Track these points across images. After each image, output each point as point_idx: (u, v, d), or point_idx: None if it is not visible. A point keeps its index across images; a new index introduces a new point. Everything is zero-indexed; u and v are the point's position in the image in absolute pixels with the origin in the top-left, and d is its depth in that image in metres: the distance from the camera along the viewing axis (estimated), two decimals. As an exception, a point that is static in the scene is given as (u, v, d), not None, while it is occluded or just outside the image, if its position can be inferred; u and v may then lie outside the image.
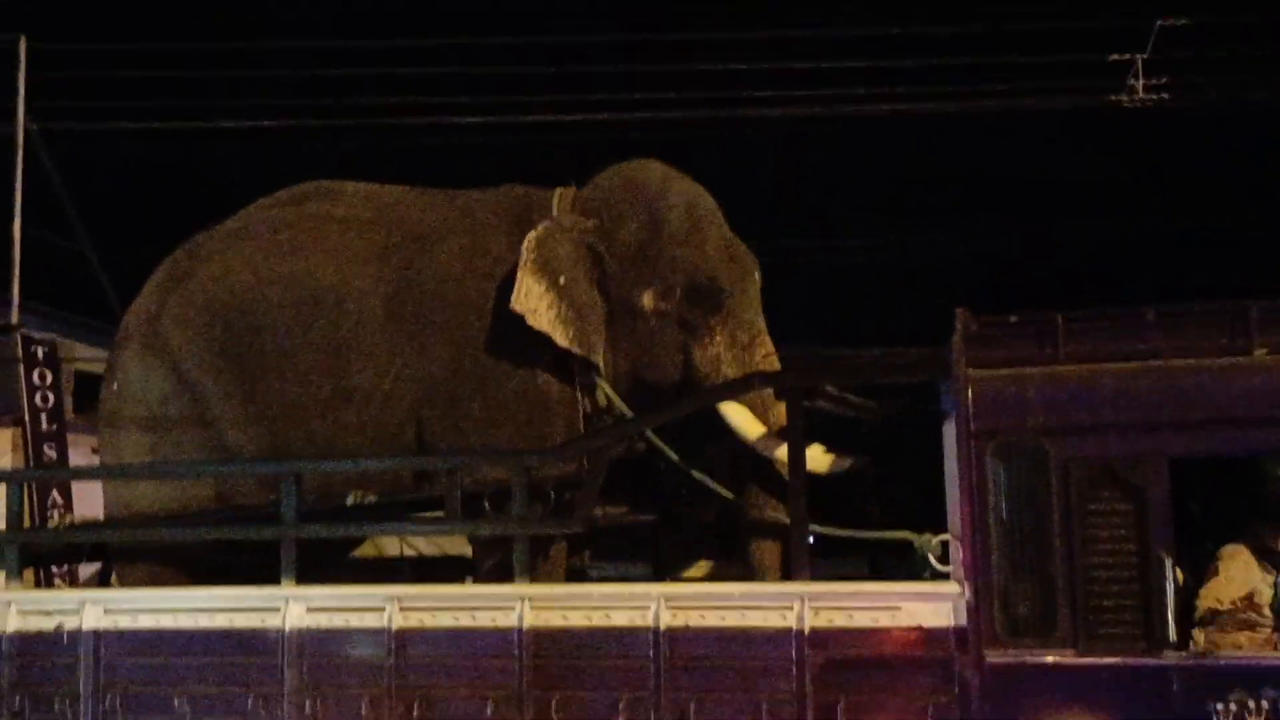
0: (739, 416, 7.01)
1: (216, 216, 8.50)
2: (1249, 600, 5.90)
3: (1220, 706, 5.64)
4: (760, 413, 7.05)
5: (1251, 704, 5.61)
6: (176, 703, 6.90)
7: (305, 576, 6.95)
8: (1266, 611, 6.02)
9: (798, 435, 6.46)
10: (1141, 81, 14.13)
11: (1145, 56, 14.00)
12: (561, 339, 7.22)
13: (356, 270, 7.70)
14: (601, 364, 7.32)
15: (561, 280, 7.26)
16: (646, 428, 7.02)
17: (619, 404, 7.29)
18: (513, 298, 7.22)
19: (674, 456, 7.07)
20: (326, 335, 7.64)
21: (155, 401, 7.95)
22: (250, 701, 6.80)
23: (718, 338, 7.28)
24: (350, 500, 7.44)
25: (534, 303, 7.21)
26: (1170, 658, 5.73)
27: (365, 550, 8.66)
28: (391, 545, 8.87)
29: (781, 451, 6.81)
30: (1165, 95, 14.10)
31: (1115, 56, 14.04)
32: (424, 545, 8.85)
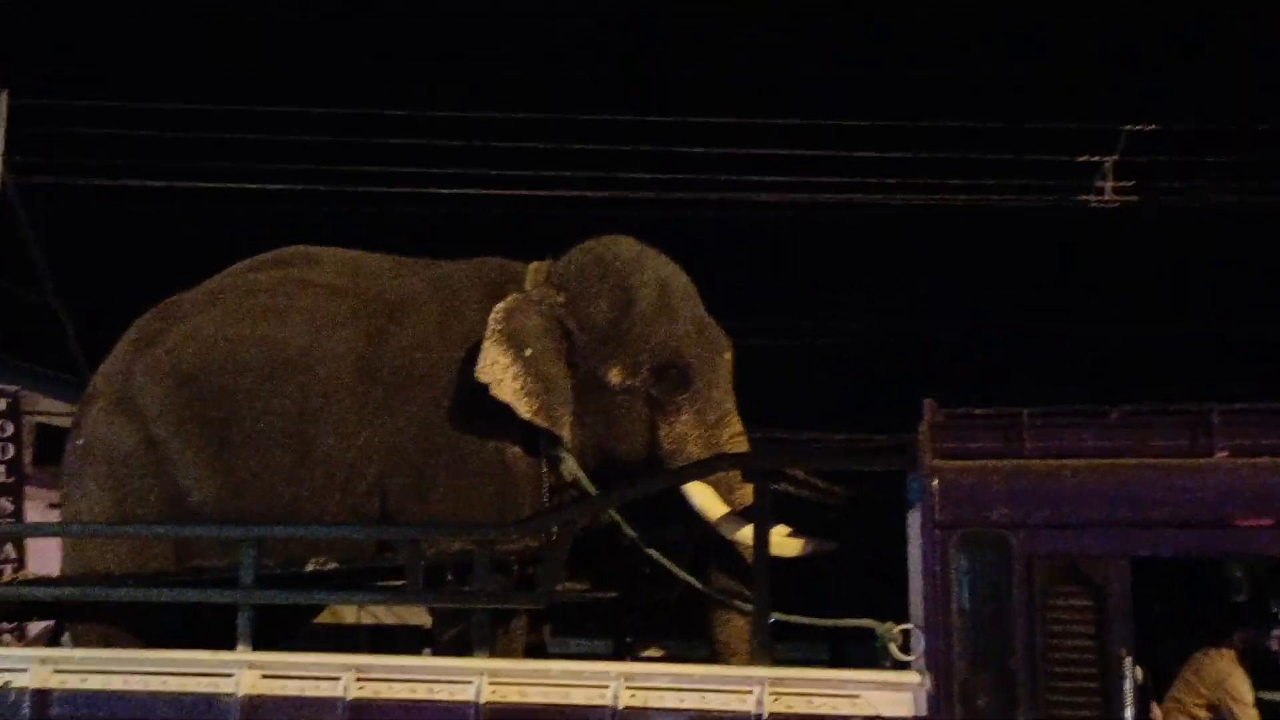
0: (702, 497, 7.04)
1: (186, 273, 8.53)
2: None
3: (1175, 807, 5.67)
4: (725, 494, 7.08)
5: (1204, 808, 5.64)
6: None
7: (264, 643, 6.87)
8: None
9: (764, 517, 6.49)
10: (1110, 183, 14.43)
11: (1115, 159, 14.31)
12: (525, 411, 7.24)
13: (329, 336, 7.72)
14: (567, 438, 7.33)
15: (528, 352, 7.30)
16: (611, 506, 7.03)
17: (584, 480, 7.31)
18: (477, 368, 7.25)
19: (633, 535, 7.09)
20: (295, 401, 7.63)
21: (120, 459, 7.88)
22: None
23: (684, 416, 7.31)
24: (310, 567, 7.37)
25: (499, 374, 7.23)
26: (1127, 754, 5.76)
27: (324, 617, 8.60)
28: (350, 612, 8.82)
29: (744, 533, 6.84)
30: (1133, 198, 14.40)
31: (1085, 157, 14.35)
32: (383, 614, 8.81)
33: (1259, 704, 6.44)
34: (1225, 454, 6.02)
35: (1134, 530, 5.93)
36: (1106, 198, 14.48)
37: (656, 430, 7.35)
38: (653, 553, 7.08)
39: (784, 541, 6.83)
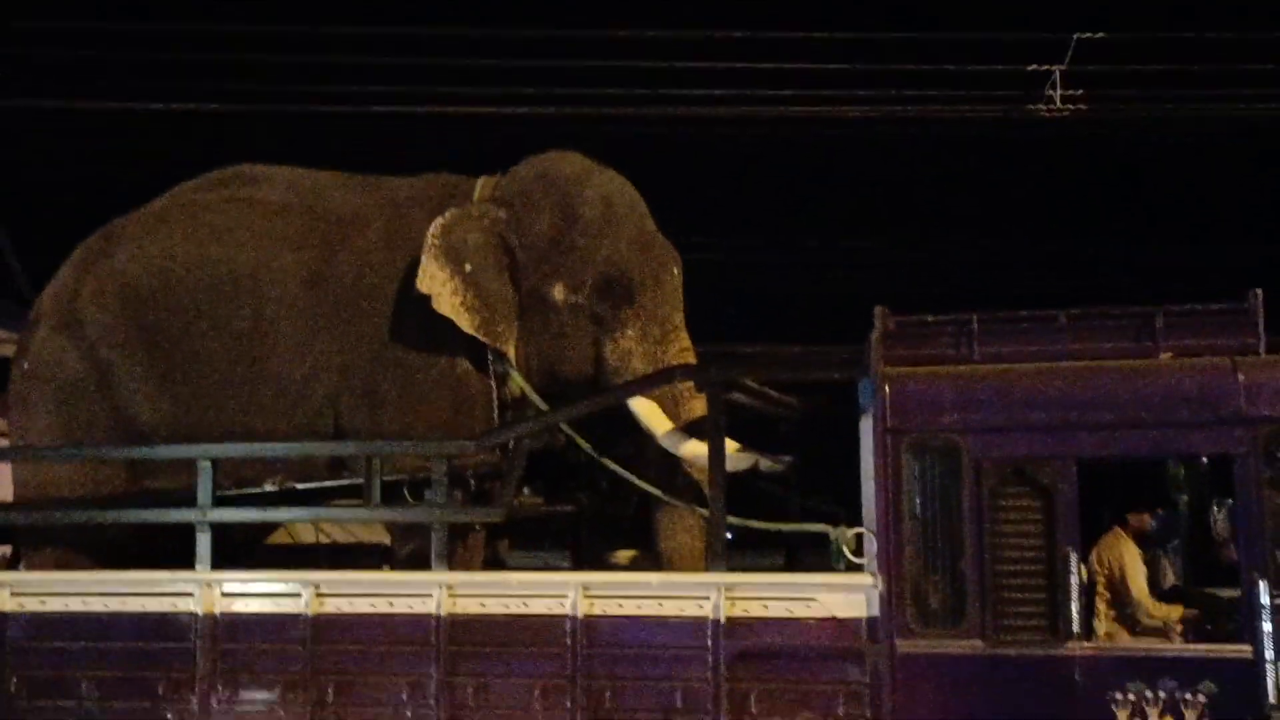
0: (648, 412, 7.10)
1: (134, 200, 8.41)
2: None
3: (1119, 696, 5.87)
4: (671, 409, 7.14)
5: (1149, 694, 5.84)
6: (84, 687, 6.83)
7: (215, 564, 6.92)
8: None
9: (718, 428, 6.57)
10: (1059, 92, 14.45)
11: (1063, 68, 14.33)
12: (467, 325, 7.26)
13: (276, 255, 7.68)
14: (512, 353, 7.37)
15: (467, 267, 7.30)
16: (565, 419, 7.09)
17: (532, 395, 7.36)
18: (417, 281, 7.26)
19: (589, 448, 7.15)
20: (244, 319, 7.61)
21: (67, 382, 7.85)
22: (161, 686, 6.76)
23: (629, 332, 7.34)
24: (268, 486, 7.39)
25: (437, 288, 7.24)
26: (1073, 649, 5.95)
27: (279, 537, 8.63)
28: (307, 532, 8.85)
29: (689, 448, 6.93)
30: (1082, 106, 14.44)
31: (1034, 67, 14.36)
32: (339, 532, 8.85)
33: (1202, 598, 6.65)
34: (1169, 355, 6.15)
35: (1080, 433, 6.07)
36: (1055, 107, 14.51)
37: (602, 347, 7.38)
38: (612, 465, 7.14)
39: (733, 456, 6.91)
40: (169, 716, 6.74)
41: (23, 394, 8.04)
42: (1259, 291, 6.12)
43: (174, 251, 7.82)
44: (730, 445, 6.90)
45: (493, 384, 7.45)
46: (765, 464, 6.94)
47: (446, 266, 7.26)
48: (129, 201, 8.44)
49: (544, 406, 7.29)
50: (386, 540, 8.20)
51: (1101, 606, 6.46)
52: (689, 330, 7.54)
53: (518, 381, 7.38)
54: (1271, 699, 5.74)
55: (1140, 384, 6.08)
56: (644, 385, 7.09)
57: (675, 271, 7.53)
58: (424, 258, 7.25)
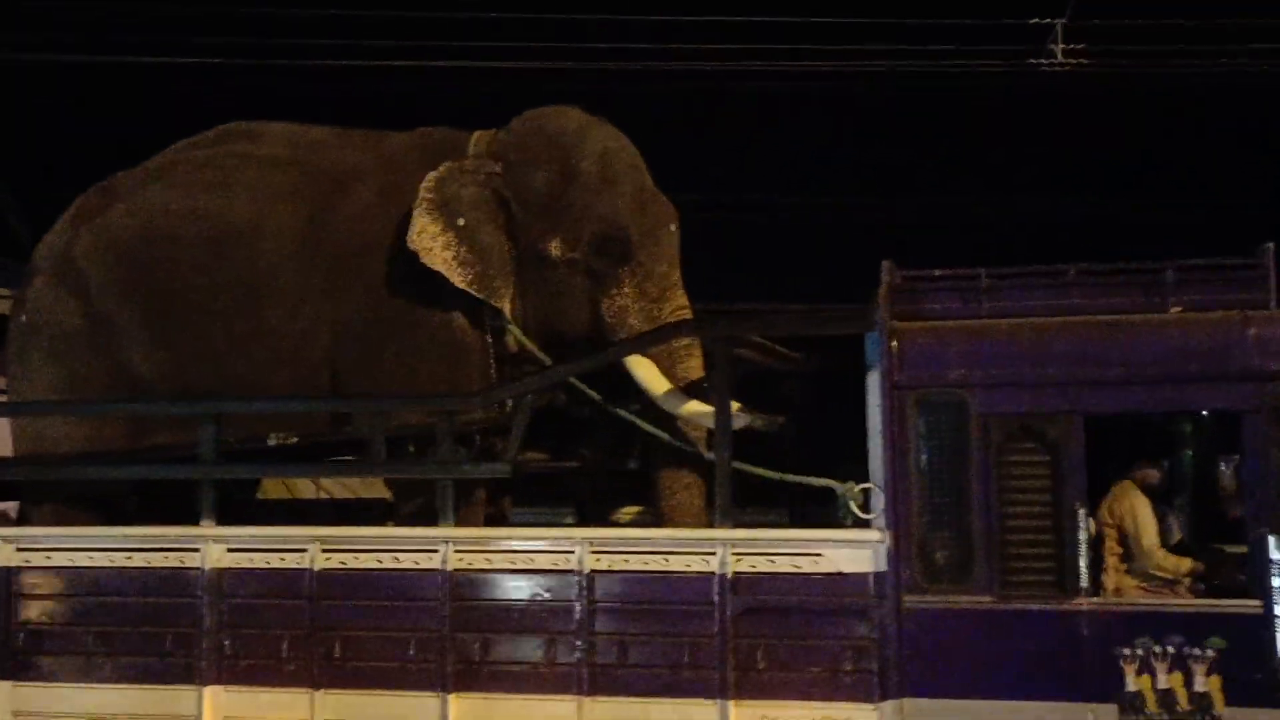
0: (645, 370, 7.02)
1: (127, 151, 8.34)
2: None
3: (1127, 651, 5.85)
4: (669, 367, 7.07)
5: (1157, 649, 5.83)
6: (90, 641, 6.82)
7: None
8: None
9: (724, 384, 6.52)
10: (1060, 46, 14.28)
11: (1064, 21, 14.16)
12: (459, 280, 7.18)
13: (273, 209, 7.62)
14: (508, 309, 7.28)
15: (460, 221, 7.22)
16: (569, 375, 7.03)
17: (532, 349, 7.27)
18: (408, 235, 7.19)
19: (604, 402, 7.08)
20: (241, 274, 7.55)
21: (65, 335, 7.79)
22: (167, 641, 6.75)
23: (625, 289, 7.25)
24: (271, 441, 7.35)
25: (428, 242, 7.17)
26: (1081, 604, 5.93)
27: (277, 492, 8.60)
28: (305, 488, 8.82)
29: (686, 406, 6.87)
30: (1084, 61, 14.28)
31: (1036, 20, 14.20)
32: (337, 489, 8.81)
33: (1208, 553, 6.61)
34: (1178, 310, 6.09)
35: (1088, 387, 6.02)
36: (1057, 60, 14.34)
37: (598, 304, 7.29)
38: (638, 420, 7.02)
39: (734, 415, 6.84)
40: (175, 671, 6.72)
41: (21, 347, 7.99)
42: (1270, 246, 6.05)
43: (171, 206, 7.76)
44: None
45: (489, 340, 7.37)
46: (760, 422, 6.88)
47: (439, 220, 7.19)
48: (127, 156, 8.37)
49: (548, 361, 7.22)
50: (385, 495, 8.16)
51: (1110, 560, 6.42)
52: (692, 289, 7.46)
53: (516, 336, 7.31)
54: (1280, 654, 5.73)
55: (1149, 339, 6.03)
56: (649, 341, 7.02)
57: (673, 229, 7.43)
58: (415, 212, 7.19)
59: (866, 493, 6.26)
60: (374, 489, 8.54)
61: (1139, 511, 6.35)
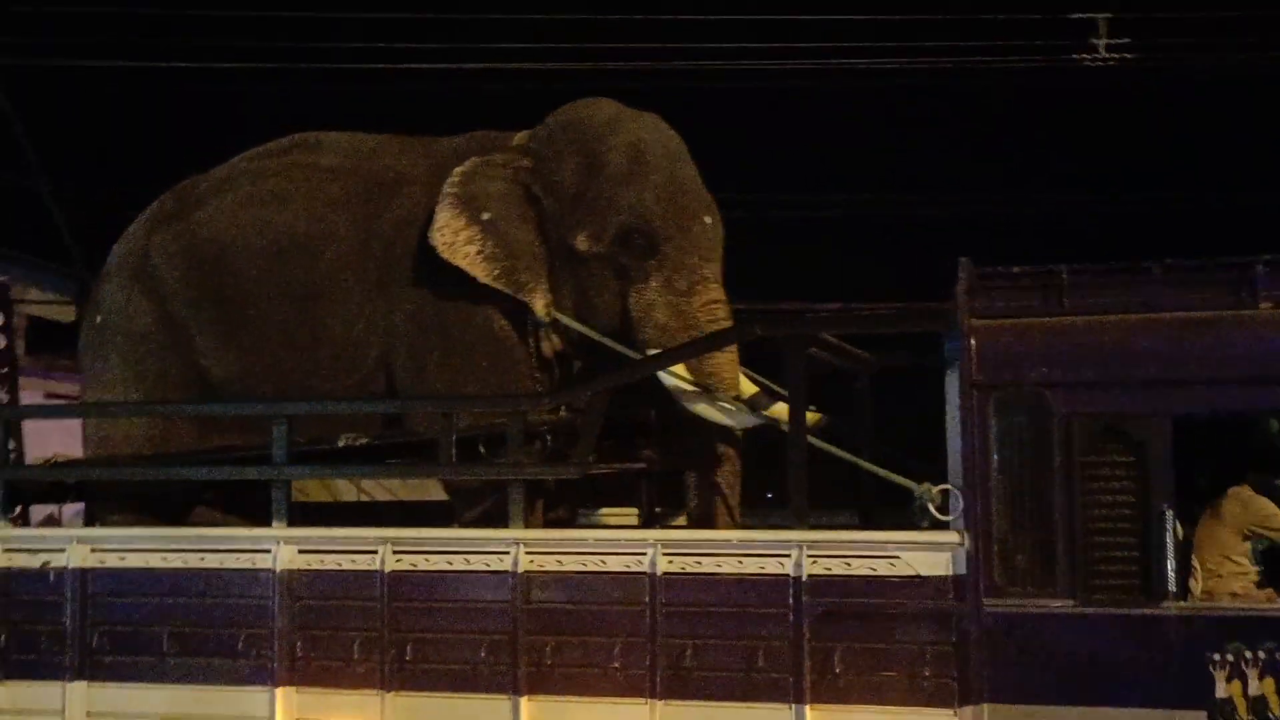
0: (673, 376, 6.85)
1: (182, 160, 8.46)
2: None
3: (1217, 657, 5.62)
4: (693, 365, 6.88)
5: (1249, 655, 5.60)
6: (164, 642, 6.75)
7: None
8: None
9: (798, 383, 6.35)
10: (1104, 40, 13.95)
11: (1108, 15, 13.82)
12: (484, 275, 7.08)
13: (330, 218, 7.65)
14: (540, 305, 7.13)
15: (485, 216, 7.12)
16: (643, 374, 6.87)
17: (585, 331, 7.07)
18: (430, 231, 7.08)
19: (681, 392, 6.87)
20: (302, 283, 7.59)
21: (139, 333, 7.88)
22: (240, 642, 6.66)
23: (652, 283, 7.05)
24: (341, 442, 7.26)
25: (450, 237, 7.08)
26: (1168, 609, 5.70)
27: (319, 496, 8.49)
28: (348, 491, 8.72)
29: (699, 405, 6.78)
30: (1128, 55, 13.95)
31: (1078, 15, 13.85)
32: (377, 490, 8.67)
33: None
34: (1269, 306, 5.85)
35: (1175, 387, 5.80)
36: (1101, 55, 14.01)
37: (626, 298, 7.11)
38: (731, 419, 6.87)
39: (738, 414, 6.82)
40: (247, 672, 6.64)
41: (95, 345, 8.09)
42: (1363, 240, 5.79)
43: (239, 215, 7.85)
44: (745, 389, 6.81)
45: (531, 341, 7.25)
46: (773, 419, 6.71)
47: (462, 215, 7.11)
48: (182, 165, 8.51)
49: (629, 352, 7.02)
50: (430, 497, 8.08)
51: (1200, 565, 6.14)
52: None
53: (547, 334, 7.18)
54: (1375, 660, 5.48)
55: (1239, 336, 5.80)
56: (719, 340, 6.88)
57: (708, 221, 7.21)
58: (438, 207, 7.12)
59: (945, 494, 6.05)
60: (416, 491, 8.44)
61: (1267, 509, 6.04)
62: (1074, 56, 13.98)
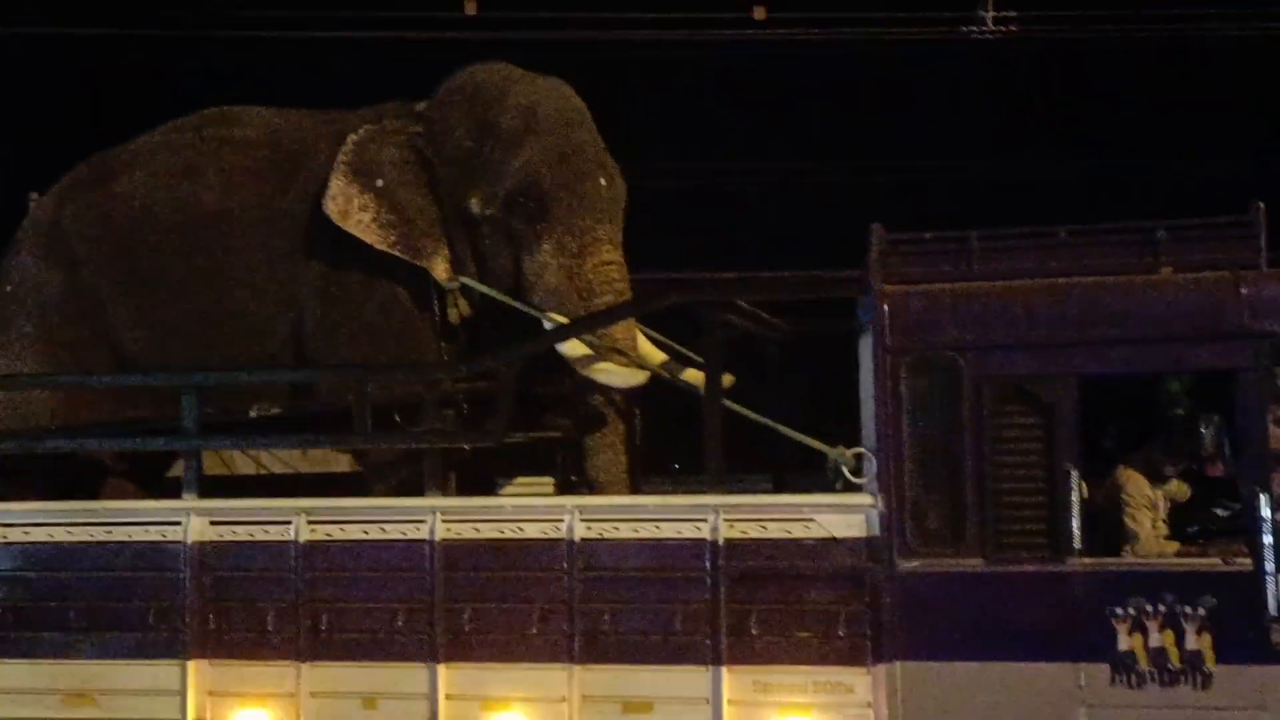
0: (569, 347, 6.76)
1: (106, 129, 8.23)
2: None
3: (1120, 611, 5.70)
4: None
5: (1149, 608, 5.70)
6: (71, 616, 6.56)
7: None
8: (1162, 528, 6.14)
9: (715, 349, 6.32)
10: (991, 14, 14.06)
11: None
12: (380, 242, 7.00)
13: (240, 192, 7.53)
14: (441, 270, 7.04)
15: (379, 183, 7.03)
16: (558, 340, 6.77)
17: (493, 294, 6.98)
18: (323, 201, 6.99)
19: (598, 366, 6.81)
20: (212, 256, 7.47)
21: (50, 303, 7.71)
22: (150, 615, 6.48)
23: (544, 246, 6.96)
24: (253, 413, 7.11)
25: (343, 205, 7.00)
26: (1073, 565, 5.78)
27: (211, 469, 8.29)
28: (244, 465, 8.54)
29: (595, 367, 6.72)
30: (1013, 28, 14.07)
31: None
32: (276, 464, 8.49)
33: (1203, 515, 6.45)
34: (1170, 270, 5.93)
35: (1080, 349, 5.87)
36: (987, 28, 14.13)
37: (520, 262, 7.05)
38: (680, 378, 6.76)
39: (625, 373, 6.75)
40: (159, 645, 6.47)
41: (6, 316, 7.87)
42: (1260, 204, 5.89)
43: (152, 187, 7.71)
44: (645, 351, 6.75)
45: (436, 308, 7.16)
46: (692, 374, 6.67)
47: (355, 182, 7.02)
48: (106, 133, 8.27)
49: (543, 316, 6.92)
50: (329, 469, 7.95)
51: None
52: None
53: (455, 300, 7.09)
54: (1272, 611, 5.61)
55: (1142, 299, 5.88)
56: (638, 306, 6.85)
57: (602, 182, 7.10)
58: (331, 176, 7.04)
59: (858, 457, 6.06)
60: (317, 464, 8.30)
61: (1132, 496, 6.13)
62: (962, 29, 14.06)
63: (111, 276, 7.62)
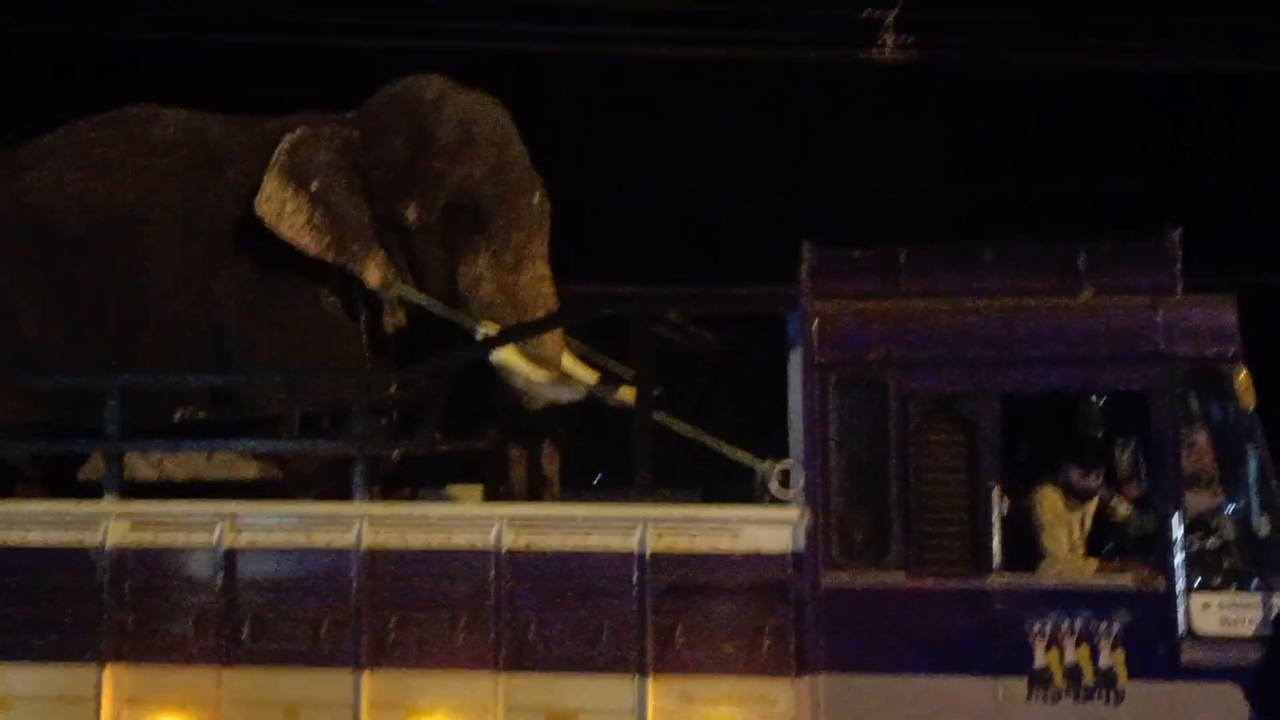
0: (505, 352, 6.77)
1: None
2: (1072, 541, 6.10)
3: (1038, 626, 5.76)
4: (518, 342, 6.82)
5: (1066, 624, 5.76)
6: None
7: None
8: (1080, 545, 6.21)
9: (645, 361, 6.31)
10: (892, 38, 14.15)
11: (895, 13, 13.98)
12: (313, 247, 6.92)
13: (157, 193, 7.35)
14: (374, 277, 6.97)
15: (314, 186, 6.95)
16: (489, 350, 6.73)
17: (427, 304, 6.93)
18: (255, 202, 6.89)
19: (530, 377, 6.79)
20: (128, 258, 7.28)
21: None
22: (67, 620, 6.30)
23: (480, 258, 6.99)
24: (176, 417, 6.95)
25: (277, 207, 6.90)
26: (993, 581, 5.84)
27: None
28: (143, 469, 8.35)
29: (524, 382, 6.74)
30: (914, 53, 14.17)
31: (866, 13, 13.97)
32: (180, 472, 8.31)
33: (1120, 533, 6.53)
34: (1090, 293, 6.01)
35: (1004, 368, 5.94)
36: (887, 53, 14.21)
37: (454, 272, 7.04)
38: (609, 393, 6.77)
39: (554, 384, 6.80)
40: (75, 651, 6.30)
41: None
42: (1178, 230, 6.00)
43: (66, 183, 7.47)
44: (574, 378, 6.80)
45: (362, 316, 7.10)
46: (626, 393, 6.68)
47: (289, 185, 6.93)
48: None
49: (476, 326, 6.87)
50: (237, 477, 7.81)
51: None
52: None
53: (391, 305, 7.02)
54: (1182, 629, 5.68)
55: (1062, 321, 5.96)
56: (568, 317, 6.83)
57: (536, 198, 7.18)
58: (266, 176, 6.94)
59: (786, 471, 6.07)
60: (220, 470, 8.13)
61: (1047, 515, 6.19)
62: (863, 55, 14.10)
63: (19, 275, 7.40)
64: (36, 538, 6.41)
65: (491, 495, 7.76)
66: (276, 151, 6.96)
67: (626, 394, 6.68)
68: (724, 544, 6.01)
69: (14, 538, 6.42)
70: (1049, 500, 6.23)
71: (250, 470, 7.75)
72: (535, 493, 6.96)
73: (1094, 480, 6.32)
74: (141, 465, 8.20)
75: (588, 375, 6.93)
